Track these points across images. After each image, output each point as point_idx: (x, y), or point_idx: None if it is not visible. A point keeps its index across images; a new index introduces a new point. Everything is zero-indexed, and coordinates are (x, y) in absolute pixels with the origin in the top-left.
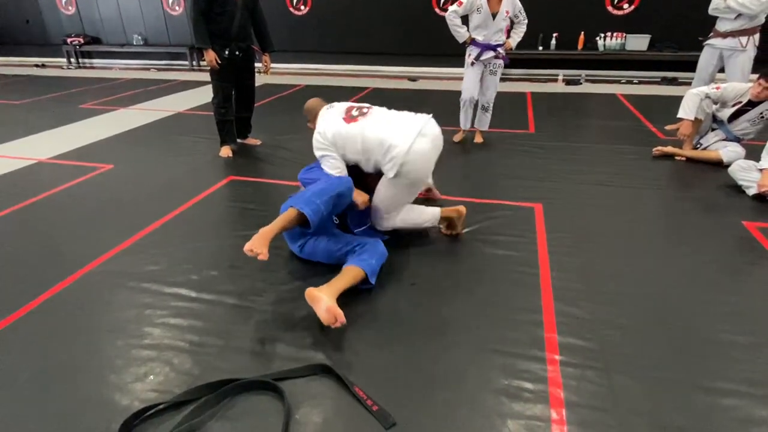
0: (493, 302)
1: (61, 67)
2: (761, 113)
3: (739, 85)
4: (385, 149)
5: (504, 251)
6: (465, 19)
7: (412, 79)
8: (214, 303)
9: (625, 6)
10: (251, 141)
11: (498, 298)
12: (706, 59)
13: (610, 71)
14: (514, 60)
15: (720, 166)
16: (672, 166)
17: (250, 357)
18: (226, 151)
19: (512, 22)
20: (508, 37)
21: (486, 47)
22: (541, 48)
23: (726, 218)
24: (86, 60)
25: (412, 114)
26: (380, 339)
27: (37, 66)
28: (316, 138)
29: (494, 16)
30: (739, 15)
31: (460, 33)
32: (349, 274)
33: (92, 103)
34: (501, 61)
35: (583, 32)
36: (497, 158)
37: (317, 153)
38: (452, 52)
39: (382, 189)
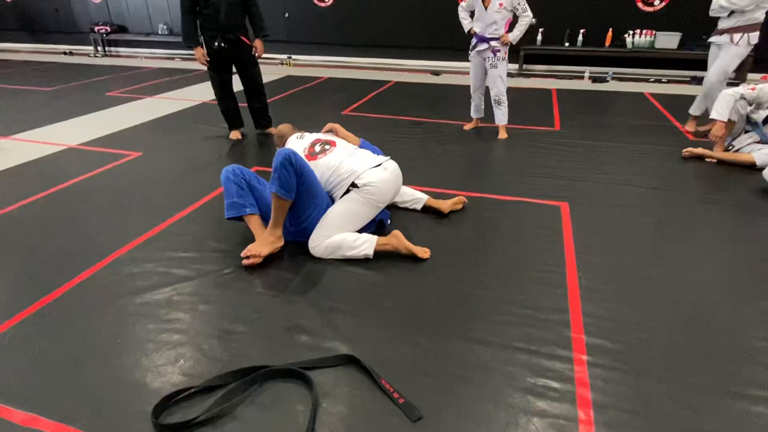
0: (519, 300)
1: (88, 55)
2: None
3: None
4: (348, 174)
5: (529, 250)
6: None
7: (435, 73)
8: (243, 291)
9: (656, 2)
10: (273, 131)
11: (523, 296)
12: (711, 57)
13: (638, 69)
14: (539, 56)
15: (753, 169)
16: (702, 168)
17: (277, 345)
18: (234, 134)
19: (516, 16)
20: (510, 30)
21: (480, 39)
22: (567, 44)
23: (761, 223)
24: (112, 48)
25: (372, 153)
26: (405, 333)
27: (65, 53)
28: None
29: (486, 8)
30: (732, 12)
31: (465, 24)
32: (272, 209)
33: (119, 91)
34: (493, 54)
35: (611, 29)
36: (521, 155)
37: None
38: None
39: (337, 206)
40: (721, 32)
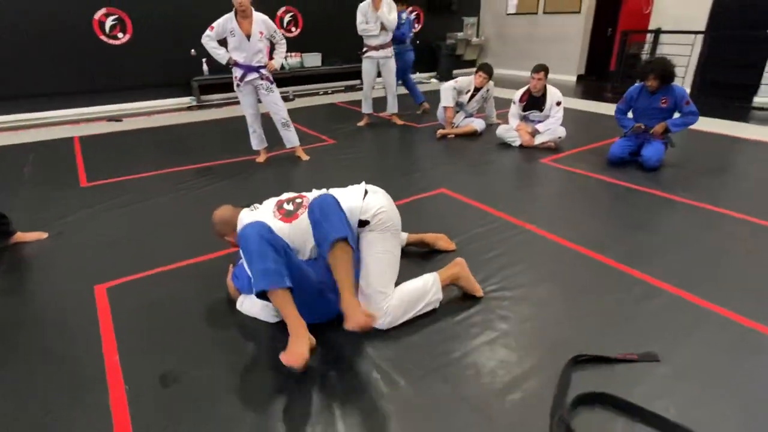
0: (547, 274)
1: None
2: (482, 95)
3: (466, 78)
4: (348, 214)
5: (491, 226)
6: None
7: (116, 119)
8: (363, 399)
9: (293, 29)
10: (30, 237)
11: (541, 267)
12: (369, 68)
13: (299, 86)
14: (212, 85)
15: (475, 135)
16: (457, 142)
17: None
18: None
19: (272, 44)
20: (271, 58)
21: (248, 69)
22: None
23: (531, 161)
24: None
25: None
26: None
27: None
28: None
29: (249, 38)
30: (382, 31)
31: (220, 55)
32: (339, 269)
33: None
34: (269, 82)
35: None
36: (342, 168)
37: None
38: (155, 83)
39: (369, 258)
40: (378, 48)
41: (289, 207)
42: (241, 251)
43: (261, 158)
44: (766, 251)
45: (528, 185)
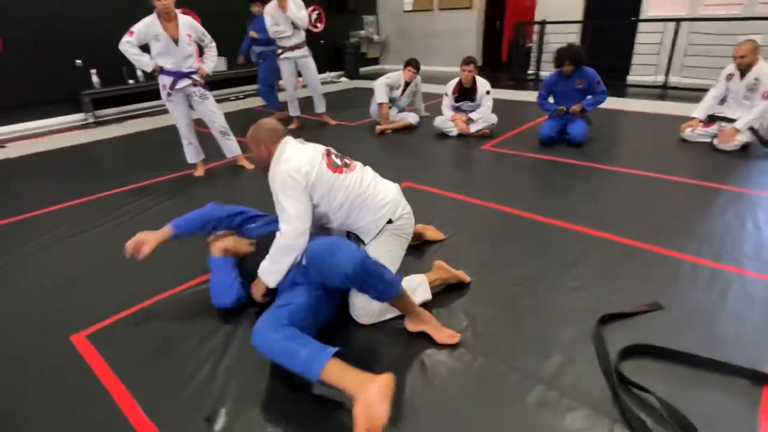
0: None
1: None
2: (411, 89)
3: (395, 74)
4: (389, 205)
5: (462, 216)
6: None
7: None
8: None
9: None
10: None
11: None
12: (288, 69)
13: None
14: (107, 99)
15: (411, 128)
16: (397, 137)
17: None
18: None
19: (201, 47)
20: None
21: (178, 75)
22: (131, 81)
23: (473, 148)
24: None
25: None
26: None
27: None
28: (289, 175)
29: (176, 41)
30: (295, 31)
31: (143, 62)
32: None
33: None
34: (202, 87)
35: None
36: None
37: (285, 195)
38: (37, 101)
39: (374, 253)
40: (293, 48)
41: (337, 161)
42: (266, 353)
43: (199, 171)
44: (690, 201)
45: (480, 170)
